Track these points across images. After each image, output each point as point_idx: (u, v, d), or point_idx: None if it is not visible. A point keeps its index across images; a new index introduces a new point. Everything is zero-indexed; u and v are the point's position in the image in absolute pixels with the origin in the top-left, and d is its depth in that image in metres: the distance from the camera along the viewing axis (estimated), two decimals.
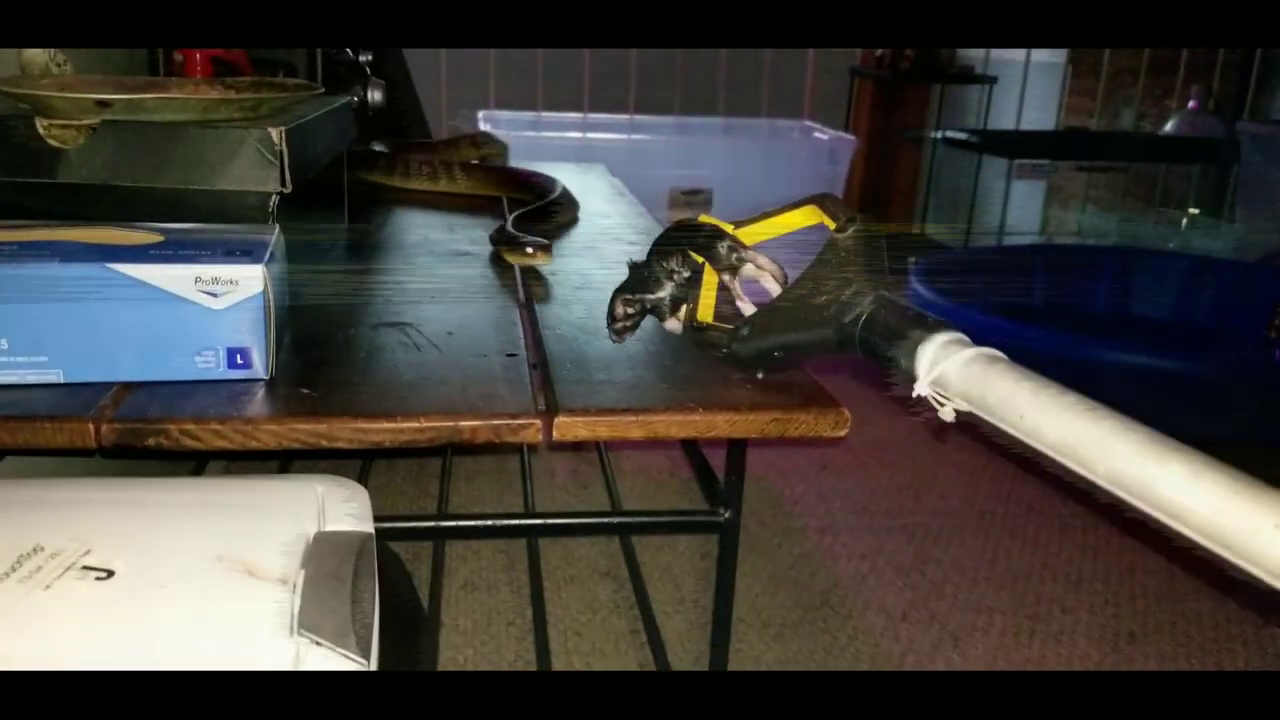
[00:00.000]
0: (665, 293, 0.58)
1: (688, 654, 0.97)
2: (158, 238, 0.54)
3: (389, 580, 0.47)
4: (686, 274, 0.58)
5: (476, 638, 0.99)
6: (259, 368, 0.53)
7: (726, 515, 0.60)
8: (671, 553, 1.18)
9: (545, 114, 2.32)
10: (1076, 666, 1.01)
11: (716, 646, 0.67)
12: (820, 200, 0.53)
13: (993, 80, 2.48)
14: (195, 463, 0.95)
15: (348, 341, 0.61)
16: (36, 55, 0.69)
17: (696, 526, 0.62)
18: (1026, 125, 2.53)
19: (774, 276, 0.56)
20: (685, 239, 0.58)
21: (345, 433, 0.49)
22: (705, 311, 0.59)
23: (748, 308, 0.56)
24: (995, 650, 1.03)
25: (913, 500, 1.37)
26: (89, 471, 0.52)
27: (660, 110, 2.41)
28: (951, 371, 0.43)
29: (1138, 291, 2.19)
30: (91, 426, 0.47)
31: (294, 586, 0.39)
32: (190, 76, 0.87)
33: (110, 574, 0.37)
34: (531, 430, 0.51)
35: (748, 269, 0.56)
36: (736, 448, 0.59)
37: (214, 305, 0.51)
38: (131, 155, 0.60)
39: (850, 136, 2.37)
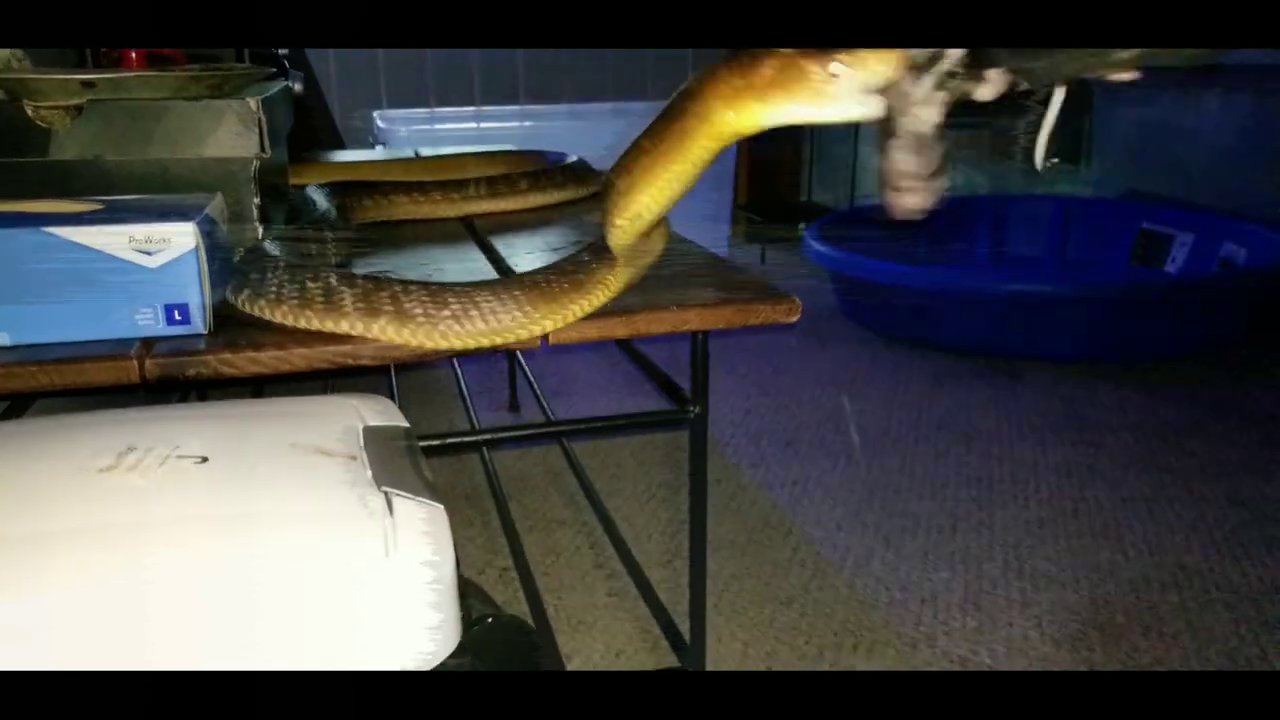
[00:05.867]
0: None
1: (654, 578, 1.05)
2: (97, 206, 0.57)
3: None
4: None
5: None
6: (198, 323, 0.55)
7: (696, 410, 0.68)
8: (619, 497, 1.26)
9: (439, 109, 2.37)
10: (996, 553, 1.13)
11: (695, 545, 0.75)
12: None
13: None
14: None
15: None
16: None
17: (669, 423, 0.70)
18: None
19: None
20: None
21: (370, 350, 0.55)
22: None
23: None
24: (925, 547, 1.14)
25: (832, 430, 1.48)
26: None
27: (552, 100, 2.48)
28: None
29: (1013, 234, 2.38)
30: (135, 363, 0.52)
31: (363, 460, 0.45)
32: (129, 68, 0.90)
33: (205, 459, 0.43)
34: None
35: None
36: (700, 346, 0.67)
37: (148, 264, 0.54)
38: (119, 130, 0.64)
39: None
